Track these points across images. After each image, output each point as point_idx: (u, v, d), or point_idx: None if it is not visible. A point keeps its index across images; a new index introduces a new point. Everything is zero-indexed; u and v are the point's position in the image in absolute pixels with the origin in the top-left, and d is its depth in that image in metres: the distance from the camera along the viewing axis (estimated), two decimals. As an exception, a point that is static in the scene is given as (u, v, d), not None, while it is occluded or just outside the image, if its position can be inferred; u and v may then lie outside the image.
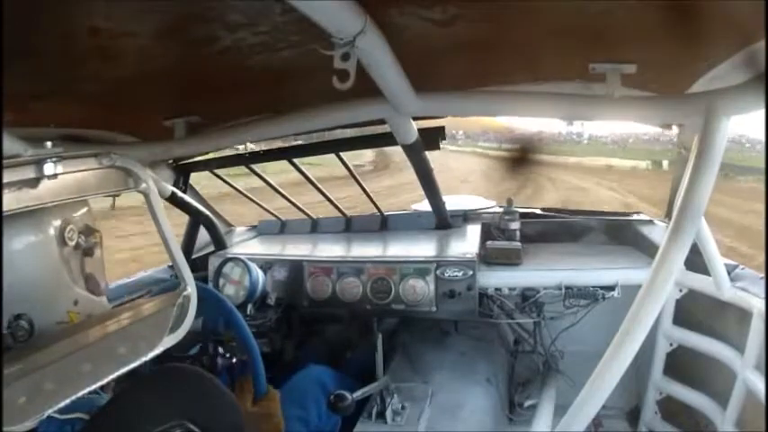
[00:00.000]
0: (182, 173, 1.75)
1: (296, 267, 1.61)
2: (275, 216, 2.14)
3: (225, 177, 1.91)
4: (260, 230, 2.15)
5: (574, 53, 0.98)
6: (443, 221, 1.88)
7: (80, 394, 0.57)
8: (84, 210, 0.75)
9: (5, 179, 0.54)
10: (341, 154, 1.63)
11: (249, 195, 2.01)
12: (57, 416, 0.59)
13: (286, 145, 1.82)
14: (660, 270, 0.91)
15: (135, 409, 0.57)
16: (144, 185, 0.73)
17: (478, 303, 1.48)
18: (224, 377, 1.22)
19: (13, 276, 0.61)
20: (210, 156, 1.72)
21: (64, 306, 0.68)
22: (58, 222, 0.68)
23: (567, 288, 1.46)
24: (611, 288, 1.45)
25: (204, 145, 1.41)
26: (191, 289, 0.76)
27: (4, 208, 0.54)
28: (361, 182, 1.85)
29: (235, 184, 1.95)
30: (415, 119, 1.34)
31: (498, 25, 0.85)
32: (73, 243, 0.70)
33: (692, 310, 1.45)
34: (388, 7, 0.74)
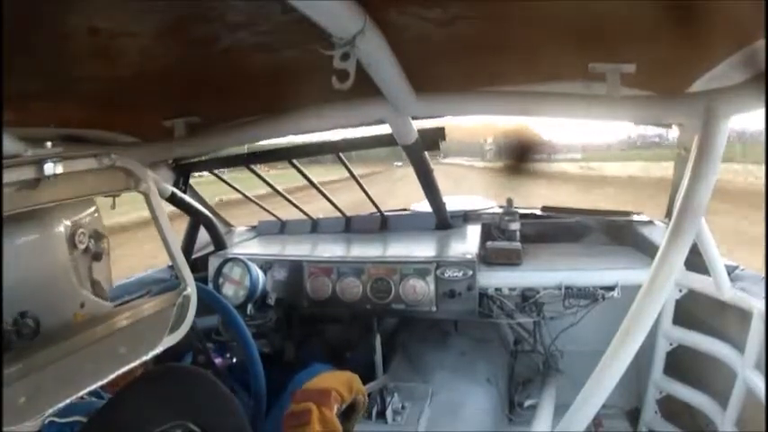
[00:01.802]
0: (182, 173, 1.75)
1: (296, 267, 1.61)
2: (275, 216, 2.14)
3: (224, 178, 1.91)
4: (260, 231, 2.15)
5: (574, 53, 0.98)
6: (443, 222, 1.88)
7: (80, 394, 0.57)
8: (94, 215, 0.76)
9: (5, 179, 0.54)
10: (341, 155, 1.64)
11: (248, 195, 2.01)
12: (57, 419, 0.59)
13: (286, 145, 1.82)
14: (660, 270, 0.91)
15: (135, 409, 0.57)
16: (144, 185, 0.73)
17: (478, 303, 1.48)
18: (224, 377, 1.23)
19: (22, 274, 0.61)
20: (210, 156, 1.73)
21: (70, 307, 0.68)
22: (68, 225, 0.69)
23: (567, 288, 1.46)
24: (611, 288, 1.45)
25: (204, 145, 1.41)
26: (191, 289, 0.76)
27: (5, 208, 0.54)
28: (362, 183, 1.85)
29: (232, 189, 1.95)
30: (415, 119, 1.34)
31: (498, 25, 0.85)
32: (83, 246, 0.71)
33: (692, 311, 1.45)
34: (388, 7, 0.74)
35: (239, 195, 1.98)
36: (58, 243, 0.68)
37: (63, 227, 0.69)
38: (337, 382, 0.88)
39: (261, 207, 2.10)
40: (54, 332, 0.64)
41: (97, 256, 0.75)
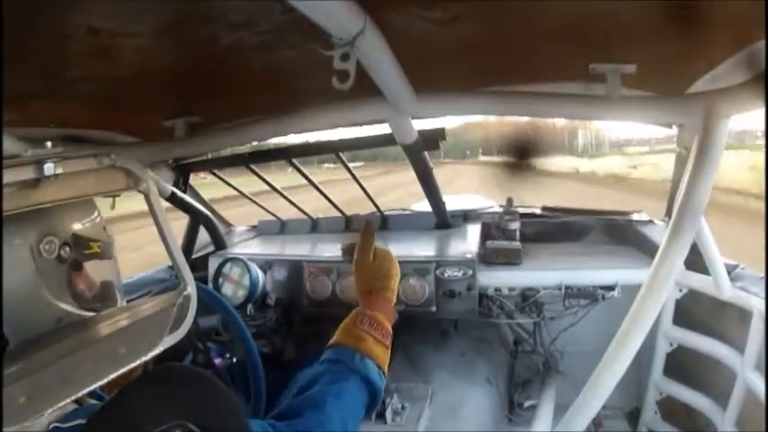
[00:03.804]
0: (182, 173, 1.75)
1: (296, 267, 1.62)
2: (275, 216, 2.14)
3: (224, 178, 1.91)
4: (260, 230, 2.15)
5: (574, 53, 0.98)
6: (443, 221, 1.88)
7: (80, 394, 0.57)
8: (94, 220, 0.71)
9: (5, 179, 0.54)
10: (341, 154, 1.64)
11: (248, 195, 2.01)
12: (60, 425, 0.59)
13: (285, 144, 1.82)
14: (660, 270, 0.91)
15: (134, 408, 0.57)
16: (144, 185, 0.72)
17: (478, 303, 1.48)
18: (225, 377, 1.23)
19: None
20: (210, 156, 1.73)
21: (43, 325, 0.62)
22: (34, 233, 0.61)
23: (567, 288, 1.46)
24: (611, 288, 1.45)
25: (204, 145, 1.41)
26: (191, 289, 0.75)
27: (4, 208, 0.54)
28: (361, 182, 1.85)
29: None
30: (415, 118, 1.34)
31: (498, 25, 0.85)
32: (53, 256, 0.62)
33: (692, 310, 1.45)
34: (388, 7, 0.74)
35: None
36: (20, 254, 0.60)
37: (28, 235, 0.61)
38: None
39: (259, 205, 2.10)
40: (48, 334, 0.60)
41: (76, 264, 0.66)
